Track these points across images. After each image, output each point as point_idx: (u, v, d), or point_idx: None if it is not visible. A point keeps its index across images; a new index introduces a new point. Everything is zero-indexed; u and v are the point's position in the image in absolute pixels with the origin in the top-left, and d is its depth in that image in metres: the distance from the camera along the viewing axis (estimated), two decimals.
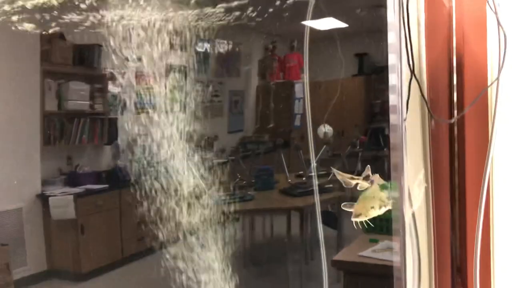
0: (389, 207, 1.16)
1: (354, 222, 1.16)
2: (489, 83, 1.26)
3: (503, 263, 1.50)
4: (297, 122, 7.60)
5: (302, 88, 6.90)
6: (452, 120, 1.36)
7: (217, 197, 3.84)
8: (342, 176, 1.19)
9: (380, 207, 1.14)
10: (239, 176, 4.44)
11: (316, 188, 1.31)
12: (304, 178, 4.13)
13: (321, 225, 1.19)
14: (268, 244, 4.79)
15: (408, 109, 1.05)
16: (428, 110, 1.21)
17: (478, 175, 1.29)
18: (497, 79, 1.11)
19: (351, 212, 1.14)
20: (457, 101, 1.43)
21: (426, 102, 1.22)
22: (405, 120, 1.01)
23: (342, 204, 1.16)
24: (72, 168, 4.29)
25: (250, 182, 4.15)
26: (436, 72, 1.39)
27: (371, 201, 1.15)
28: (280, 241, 4.45)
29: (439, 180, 1.47)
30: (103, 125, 4.64)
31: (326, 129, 6.33)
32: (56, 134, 4.10)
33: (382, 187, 1.16)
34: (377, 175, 1.17)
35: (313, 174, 1.47)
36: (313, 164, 1.67)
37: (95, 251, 4.03)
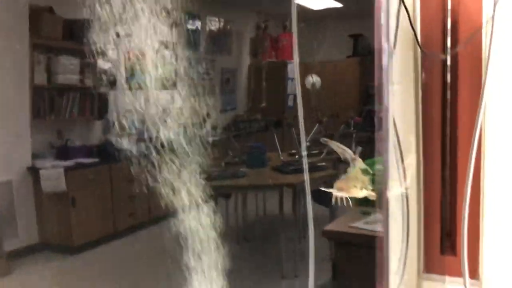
0: (371, 192, 1.18)
1: (335, 197, 1.18)
2: (484, 24, 1.27)
3: (493, 224, 1.52)
4: (290, 103, 7.60)
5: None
6: (445, 57, 1.38)
7: (208, 173, 3.85)
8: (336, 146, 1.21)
9: (361, 189, 1.17)
10: (231, 154, 4.46)
11: (306, 166, 1.32)
12: (297, 156, 4.15)
13: (310, 200, 1.21)
14: (261, 221, 4.84)
15: (398, 43, 1.06)
16: (418, 45, 1.23)
17: (471, 124, 1.30)
18: (492, 17, 1.13)
19: None
20: (451, 43, 1.43)
21: (415, 36, 1.23)
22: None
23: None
24: (62, 142, 4.28)
25: (242, 159, 4.16)
26: (430, 11, 1.39)
27: (354, 180, 1.17)
28: (273, 218, 4.50)
29: (430, 133, 1.50)
30: (93, 100, 4.62)
31: (314, 79, 6.34)
32: (45, 108, 4.08)
33: (364, 172, 1.19)
34: (360, 160, 1.20)
35: (303, 152, 1.49)
36: (304, 144, 1.68)
37: (87, 224, 4.05)
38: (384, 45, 0.92)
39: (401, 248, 1.30)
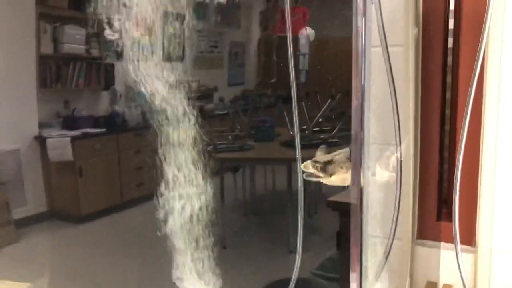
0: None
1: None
2: None
3: (491, 191, 1.52)
4: (302, 79, 7.55)
5: (307, 43, 6.81)
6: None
7: (215, 145, 3.87)
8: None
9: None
10: (239, 128, 4.47)
11: (297, 141, 1.33)
12: (307, 132, 4.14)
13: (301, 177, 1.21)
14: (270, 196, 4.86)
15: None
16: None
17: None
18: None
19: None
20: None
21: None
22: None
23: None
24: (69, 112, 4.32)
25: (250, 133, 4.16)
26: None
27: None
28: (281, 193, 4.52)
29: (429, 98, 1.50)
30: (99, 70, 4.64)
31: (307, 31, 6.29)
32: (52, 77, 4.12)
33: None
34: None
35: (295, 128, 1.48)
36: (296, 120, 1.68)
37: (94, 194, 4.11)
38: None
39: (393, 213, 1.31)
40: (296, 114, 1.39)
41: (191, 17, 6.06)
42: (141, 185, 4.59)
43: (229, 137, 4.14)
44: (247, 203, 4.30)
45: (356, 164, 0.74)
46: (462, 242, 1.58)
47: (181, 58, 6.00)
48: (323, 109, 4.25)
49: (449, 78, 1.59)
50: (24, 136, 3.93)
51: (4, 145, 3.70)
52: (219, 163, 3.81)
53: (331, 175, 1.16)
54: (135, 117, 4.87)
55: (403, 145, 1.48)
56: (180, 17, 5.91)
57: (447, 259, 1.59)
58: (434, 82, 1.55)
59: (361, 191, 0.73)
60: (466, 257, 1.57)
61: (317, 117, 4.14)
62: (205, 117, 5.74)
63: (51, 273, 3.04)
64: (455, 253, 1.51)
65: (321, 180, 1.17)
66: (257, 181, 4.52)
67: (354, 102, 0.78)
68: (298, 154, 1.40)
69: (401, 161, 1.28)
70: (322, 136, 3.75)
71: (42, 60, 4.03)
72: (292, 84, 1.31)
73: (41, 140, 3.99)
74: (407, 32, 1.49)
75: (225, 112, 6.11)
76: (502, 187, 1.50)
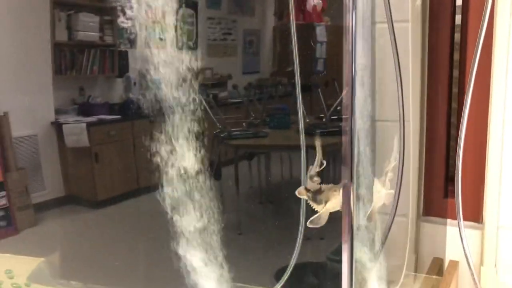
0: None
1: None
2: None
3: (498, 169, 1.54)
4: (319, 67, 7.52)
5: (325, 31, 6.79)
6: None
7: (229, 132, 3.91)
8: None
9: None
10: (253, 115, 4.50)
11: (301, 127, 1.36)
12: (324, 120, 4.14)
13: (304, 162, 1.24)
14: (286, 184, 4.88)
15: None
16: None
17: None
18: None
19: None
20: None
21: None
22: None
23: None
24: (84, 98, 4.40)
25: (265, 121, 4.19)
26: None
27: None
28: (298, 181, 4.53)
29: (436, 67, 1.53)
30: (113, 57, 4.70)
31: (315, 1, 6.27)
32: (67, 64, 4.20)
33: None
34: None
35: (299, 120, 1.51)
36: (300, 107, 1.71)
37: (110, 179, 4.19)
38: None
39: (395, 190, 1.34)
40: (301, 103, 1.42)
41: (204, 4, 6.09)
42: (156, 171, 4.65)
43: (244, 124, 4.18)
44: (263, 191, 4.34)
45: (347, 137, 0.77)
46: (469, 219, 1.61)
47: (194, 46, 6.03)
48: (341, 97, 4.24)
49: (456, 56, 1.61)
50: (41, 122, 4.02)
51: (22, 131, 3.80)
52: (233, 150, 3.86)
53: (325, 202, 1.14)
54: (150, 104, 4.93)
55: (409, 122, 1.51)
56: (193, 4, 5.94)
57: (454, 235, 1.62)
58: (442, 58, 1.57)
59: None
60: (473, 234, 1.60)
61: (335, 105, 4.15)
62: (218, 105, 5.79)
63: (67, 252, 3.11)
64: (459, 229, 1.54)
65: (317, 210, 1.16)
66: (273, 169, 4.55)
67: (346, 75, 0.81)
68: (303, 141, 1.42)
69: (403, 139, 1.31)
70: (340, 124, 3.75)
71: (57, 47, 4.10)
72: (296, 73, 1.34)
73: (57, 126, 4.07)
74: (414, 7, 1.51)
75: (239, 100, 6.14)
76: (509, 164, 1.52)
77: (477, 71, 1.52)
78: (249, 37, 7.43)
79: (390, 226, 1.37)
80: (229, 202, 3.94)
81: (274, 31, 7.74)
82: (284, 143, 3.79)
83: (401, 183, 1.35)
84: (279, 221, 3.87)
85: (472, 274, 1.30)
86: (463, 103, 1.61)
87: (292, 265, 1.22)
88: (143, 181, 4.56)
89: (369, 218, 1.13)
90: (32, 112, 3.91)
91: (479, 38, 1.27)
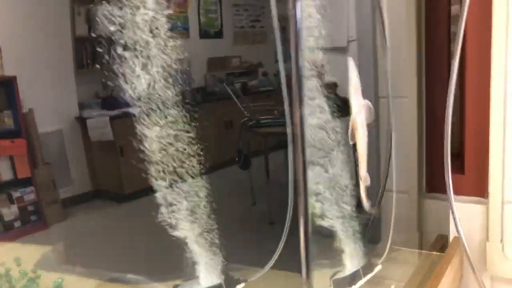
0: None
1: None
2: None
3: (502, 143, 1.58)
4: None
5: None
6: None
7: (258, 120, 3.98)
8: None
9: None
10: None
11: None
12: None
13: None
14: None
15: None
16: None
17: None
18: None
19: None
20: None
21: None
22: None
23: None
24: (108, 92, 4.59)
25: None
26: None
27: None
28: None
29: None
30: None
31: None
32: (88, 58, 4.39)
33: None
34: None
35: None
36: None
37: (136, 173, 4.36)
38: None
39: (382, 166, 1.41)
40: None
41: None
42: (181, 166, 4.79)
43: (275, 112, 4.26)
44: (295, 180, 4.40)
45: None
46: (474, 194, 1.67)
47: (220, 34, 6.14)
48: None
49: (454, 29, 1.65)
50: (65, 117, 4.25)
51: (47, 127, 4.02)
52: (263, 138, 3.95)
53: None
54: (173, 96, 5.09)
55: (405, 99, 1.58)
56: None
57: (459, 212, 1.67)
58: (440, 30, 1.62)
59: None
60: (478, 209, 1.66)
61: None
62: (248, 93, 5.88)
63: (95, 246, 3.28)
64: (464, 204, 1.60)
65: None
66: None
67: None
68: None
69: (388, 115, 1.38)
70: None
71: (78, 42, 4.30)
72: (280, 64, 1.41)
73: (81, 121, 4.29)
74: None
75: (270, 88, 6.22)
76: None
77: (473, 41, 1.58)
78: (281, 23, 7.47)
79: (379, 201, 1.45)
80: (259, 192, 4.04)
81: None
82: None
83: (390, 158, 1.42)
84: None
85: (466, 249, 1.36)
86: (463, 77, 1.66)
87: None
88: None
89: (352, 137, 1.22)
90: (56, 107, 4.12)
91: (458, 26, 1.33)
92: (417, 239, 1.71)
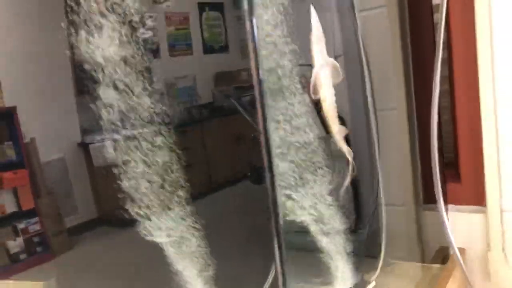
0: None
1: None
2: None
3: (495, 149, 1.60)
4: None
5: None
6: None
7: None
8: None
9: None
10: None
11: None
12: None
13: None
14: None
15: None
16: None
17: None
18: None
19: None
20: None
21: None
22: None
23: None
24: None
25: None
26: None
27: None
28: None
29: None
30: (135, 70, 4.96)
31: None
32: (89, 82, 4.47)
33: None
34: None
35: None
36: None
37: None
38: None
39: (373, 181, 1.43)
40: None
41: (230, 4, 6.26)
42: (190, 184, 4.82)
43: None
44: None
45: None
46: (473, 203, 1.70)
47: (225, 49, 6.22)
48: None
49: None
50: (68, 144, 4.33)
51: (50, 155, 4.10)
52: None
53: None
54: (179, 114, 5.16)
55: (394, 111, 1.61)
56: (218, 6, 6.12)
57: (458, 222, 1.69)
58: (426, 40, 1.66)
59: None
60: (477, 218, 1.68)
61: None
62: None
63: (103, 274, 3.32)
64: (463, 213, 1.63)
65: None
66: None
67: None
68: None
69: (377, 125, 1.41)
70: None
71: (77, 66, 4.39)
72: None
73: (84, 147, 4.37)
74: None
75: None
76: (505, 146, 1.58)
77: (459, 47, 1.61)
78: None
79: (372, 213, 1.48)
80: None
81: None
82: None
83: (378, 170, 1.44)
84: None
85: (459, 261, 1.38)
86: (453, 85, 1.69)
87: None
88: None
89: (315, 91, 1.20)
90: (58, 135, 4.20)
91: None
92: (419, 252, 1.73)
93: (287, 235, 1.11)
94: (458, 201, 1.70)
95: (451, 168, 1.73)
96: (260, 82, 0.89)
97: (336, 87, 1.66)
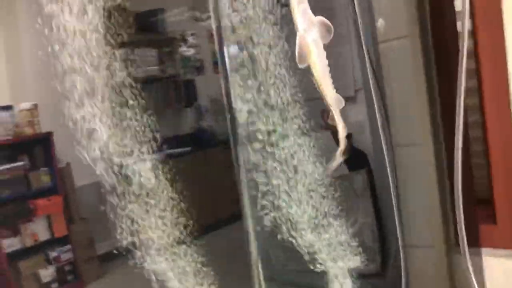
0: None
1: None
2: None
3: None
4: None
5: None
6: None
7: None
8: None
9: None
10: None
11: None
12: None
13: None
14: None
15: None
16: None
17: None
18: None
19: None
20: None
21: None
22: None
23: None
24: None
25: None
26: None
27: None
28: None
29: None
30: (178, 88, 5.03)
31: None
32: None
33: None
34: None
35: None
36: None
37: None
38: None
39: (396, 219, 1.36)
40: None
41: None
42: (235, 202, 4.79)
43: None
44: None
45: None
46: (510, 246, 1.59)
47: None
48: None
49: (471, 64, 1.60)
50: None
51: (85, 180, 4.17)
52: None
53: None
54: (223, 131, 5.20)
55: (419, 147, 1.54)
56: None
57: (492, 266, 1.60)
58: (453, 69, 1.57)
59: None
60: None
61: None
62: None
63: None
64: (499, 258, 1.54)
65: None
66: None
67: None
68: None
69: (390, 160, 1.34)
70: None
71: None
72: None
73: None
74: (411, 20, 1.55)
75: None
76: None
77: (487, 76, 1.53)
78: None
79: (394, 255, 1.41)
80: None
81: None
82: None
83: (400, 210, 1.39)
84: None
85: None
86: (484, 115, 1.60)
87: None
88: (222, 213, 4.62)
89: (301, 60, 1.11)
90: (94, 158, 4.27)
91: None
92: None
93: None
94: (493, 244, 1.60)
95: (485, 207, 1.63)
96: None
97: (358, 122, 1.62)
